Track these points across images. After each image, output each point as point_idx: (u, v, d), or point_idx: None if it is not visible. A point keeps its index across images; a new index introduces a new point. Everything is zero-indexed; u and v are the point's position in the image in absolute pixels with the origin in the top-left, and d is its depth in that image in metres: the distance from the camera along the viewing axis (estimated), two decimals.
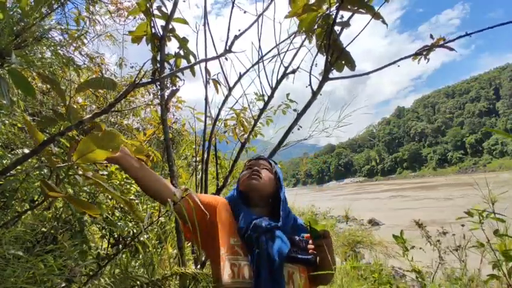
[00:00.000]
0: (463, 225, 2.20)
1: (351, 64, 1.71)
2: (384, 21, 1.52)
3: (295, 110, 1.81)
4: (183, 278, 1.34)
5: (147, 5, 1.83)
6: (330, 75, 1.75)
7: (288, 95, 2.50)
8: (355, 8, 1.55)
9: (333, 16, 1.60)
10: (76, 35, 2.38)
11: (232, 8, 1.93)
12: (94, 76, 3.12)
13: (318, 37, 1.74)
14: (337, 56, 1.67)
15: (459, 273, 2.57)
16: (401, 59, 1.71)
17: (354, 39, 1.70)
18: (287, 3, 1.69)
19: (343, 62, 1.70)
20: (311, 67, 1.76)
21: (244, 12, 1.95)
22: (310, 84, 1.76)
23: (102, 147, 0.79)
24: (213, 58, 1.67)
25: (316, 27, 1.71)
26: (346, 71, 1.73)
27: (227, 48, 1.71)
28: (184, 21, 2.00)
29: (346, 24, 1.66)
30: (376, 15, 1.51)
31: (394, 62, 1.73)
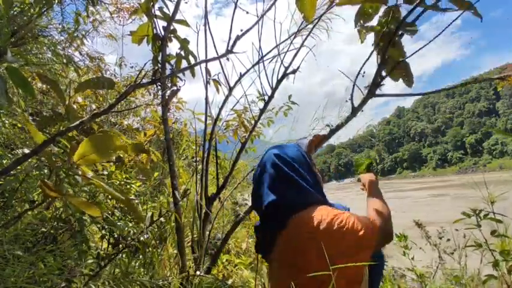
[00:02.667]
0: (456, 230, 2.20)
1: (408, 79, 1.36)
2: (477, 13, 1.17)
3: (328, 125, 1.48)
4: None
5: (150, 5, 1.83)
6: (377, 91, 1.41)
7: (290, 96, 2.50)
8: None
9: (400, 12, 1.27)
10: (75, 34, 2.38)
11: (234, 9, 1.92)
12: (93, 76, 3.12)
13: (378, 36, 1.38)
14: (393, 66, 1.35)
15: (459, 273, 2.57)
16: (483, 80, 1.43)
17: (420, 48, 1.32)
18: (287, 4, 1.68)
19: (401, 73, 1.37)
20: (357, 76, 1.41)
21: (247, 12, 1.94)
22: (351, 98, 1.42)
23: (102, 148, 0.79)
24: (214, 59, 1.68)
25: (376, 23, 1.37)
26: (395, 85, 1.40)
27: (229, 48, 1.71)
28: (186, 24, 2.00)
29: (412, 31, 1.27)
30: (472, 8, 1.16)
31: (476, 82, 1.48)
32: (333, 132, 1.48)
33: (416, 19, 1.29)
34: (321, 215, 0.85)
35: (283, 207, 0.90)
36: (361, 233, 0.81)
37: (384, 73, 1.40)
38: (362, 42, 1.44)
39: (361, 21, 1.39)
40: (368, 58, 1.42)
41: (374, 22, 1.40)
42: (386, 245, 0.91)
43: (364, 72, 1.43)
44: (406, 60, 1.36)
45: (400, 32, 1.31)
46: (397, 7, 1.31)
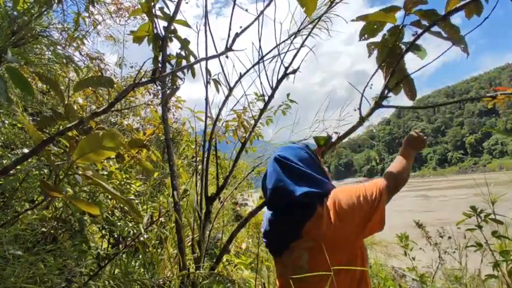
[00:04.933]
0: (458, 227, 2.20)
1: (411, 93, 1.46)
2: (465, 49, 1.32)
3: (336, 133, 1.57)
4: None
5: (150, 5, 1.83)
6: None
7: (288, 95, 2.50)
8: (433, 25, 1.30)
9: (403, 31, 1.39)
10: (76, 35, 2.38)
11: (233, 8, 1.92)
12: (93, 75, 3.11)
13: (381, 53, 1.49)
14: (397, 82, 1.45)
15: (459, 273, 2.57)
16: (477, 98, 1.55)
17: (422, 67, 1.41)
18: (287, 4, 1.68)
19: (402, 87, 1.48)
20: (364, 88, 1.49)
21: (246, 10, 1.94)
22: (359, 108, 1.51)
23: (102, 147, 0.79)
24: (214, 56, 1.67)
25: (380, 39, 1.47)
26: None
27: (228, 46, 1.70)
28: (186, 24, 2.00)
29: (421, 55, 1.37)
30: (460, 41, 1.30)
31: (473, 100, 1.66)
32: (340, 139, 1.55)
33: (417, 38, 1.39)
34: (340, 195, 1.00)
35: (313, 195, 1.00)
36: (373, 196, 0.98)
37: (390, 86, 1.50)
38: (369, 56, 1.55)
39: (365, 36, 1.49)
40: (375, 72, 1.53)
41: (377, 38, 1.52)
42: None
43: (371, 85, 1.53)
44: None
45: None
46: (402, 27, 1.42)
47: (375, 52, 1.54)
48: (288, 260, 1.05)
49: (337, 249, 0.95)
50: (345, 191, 1.02)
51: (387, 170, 1.14)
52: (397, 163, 1.15)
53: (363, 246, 1.03)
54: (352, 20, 1.46)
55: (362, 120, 1.49)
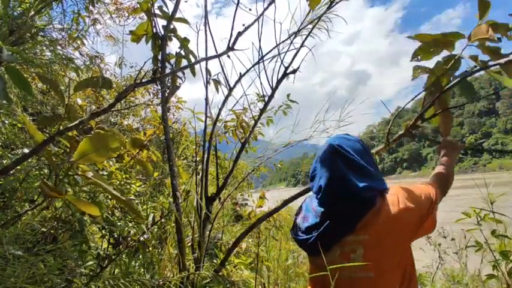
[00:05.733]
0: (461, 229, 2.20)
1: (446, 130, 1.38)
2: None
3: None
4: None
5: (149, 4, 1.83)
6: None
7: (288, 95, 2.50)
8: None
9: (459, 61, 1.28)
10: (76, 35, 2.38)
11: (236, 7, 1.92)
12: (93, 75, 3.12)
13: (429, 80, 1.39)
14: (434, 113, 1.38)
15: (459, 273, 2.57)
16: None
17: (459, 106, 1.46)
18: (287, 4, 1.68)
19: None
20: (394, 118, 1.53)
21: (250, 9, 1.94)
22: (388, 134, 1.50)
23: (103, 147, 0.79)
24: (215, 56, 1.67)
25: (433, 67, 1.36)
26: None
27: (230, 46, 1.71)
28: (186, 21, 2.00)
29: (465, 85, 1.30)
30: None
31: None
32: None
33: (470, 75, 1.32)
34: (402, 192, 1.01)
35: (374, 189, 1.00)
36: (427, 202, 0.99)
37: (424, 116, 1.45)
38: (413, 79, 1.46)
39: (419, 57, 1.38)
40: (414, 98, 1.49)
41: (430, 63, 1.40)
42: None
43: (405, 120, 1.50)
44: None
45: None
46: (459, 58, 1.31)
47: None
48: (335, 256, 1.00)
49: (390, 246, 0.95)
50: (406, 188, 1.02)
51: (437, 172, 1.18)
52: (446, 166, 1.18)
53: (411, 249, 1.03)
54: (409, 37, 1.35)
55: (387, 145, 1.50)
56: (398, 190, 1.02)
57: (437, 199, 1.02)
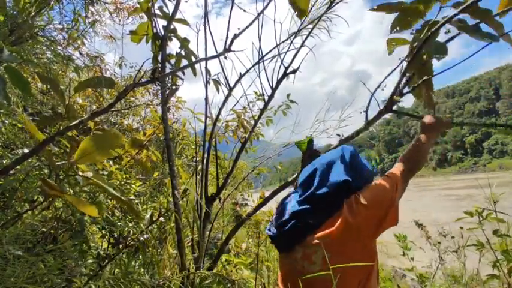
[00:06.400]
0: (461, 227, 2.20)
1: (429, 104, 1.32)
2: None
3: (338, 135, 1.51)
4: None
5: (150, 4, 1.83)
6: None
7: (288, 95, 2.50)
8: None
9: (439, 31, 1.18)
10: (76, 35, 2.38)
11: (231, 8, 1.92)
12: (93, 76, 3.12)
13: (411, 50, 1.29)
14: (418, 84, 1.29)
15: (459, 273, 2.57)
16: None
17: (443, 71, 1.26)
18: (287, 4, 1.68)
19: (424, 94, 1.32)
20: (376, 89, 1.36)
21: (244, 11, 1.94)
22: (366, 111, 1.40)
23: (104, 147, 0.79)
24: (213, 57, 1.67)
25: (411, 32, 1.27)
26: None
27: (226, 47, 1.71)
28: (186, 23, 2.00)
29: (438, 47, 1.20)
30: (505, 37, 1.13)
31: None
32: (342, 142, 1.50)
33: (449, 41, 1.26)
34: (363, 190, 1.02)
35: (351, 188, 1.00)
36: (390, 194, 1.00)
37: (405, 90, 1.35)
38: (390, 53, 1.39)
39: (398, 28, 1.31)
40: (394, 69, 1.36)
41: (405, 35, 1.34)
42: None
43: (385, 86, 1.39)
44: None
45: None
46: (434, 22, 1.23)
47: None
48: (298, 257, 1.01)
49: (350, 247, 0.95)
50: (369, 189, 1.02)
51: (408, 150, 1.15)
52: (418, 145, 1.15)
53: (375, 245, 1.03)
54: (372, 9, 1.28)
55: (368, 124, 1.39)
56: (362, 192, 1.01)
57: (399, 193, 1.02)
